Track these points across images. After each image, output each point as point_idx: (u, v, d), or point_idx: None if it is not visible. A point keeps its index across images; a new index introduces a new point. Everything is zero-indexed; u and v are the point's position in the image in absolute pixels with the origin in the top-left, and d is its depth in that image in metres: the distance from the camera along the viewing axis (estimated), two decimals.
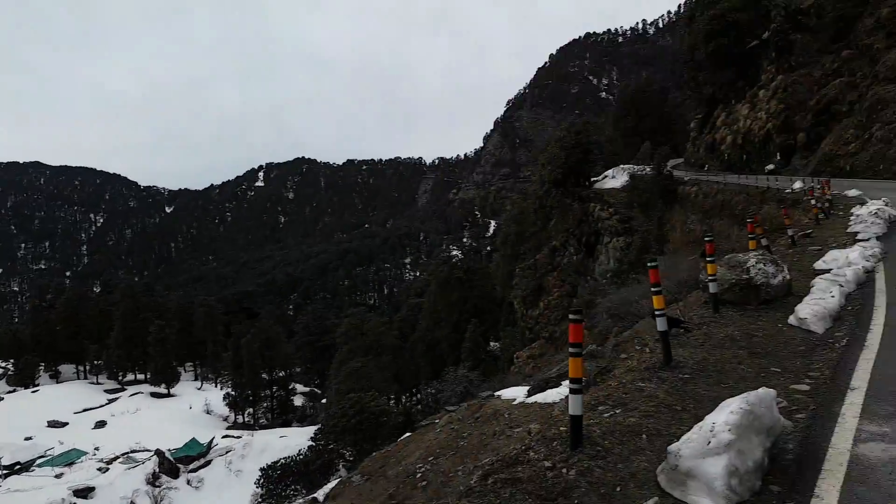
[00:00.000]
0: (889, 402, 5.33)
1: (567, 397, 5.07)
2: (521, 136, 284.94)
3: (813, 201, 21.06)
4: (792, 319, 8.31)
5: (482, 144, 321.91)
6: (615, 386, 6.30)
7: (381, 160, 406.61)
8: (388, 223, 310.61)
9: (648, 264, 7.02)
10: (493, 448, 8.53)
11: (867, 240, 13.74)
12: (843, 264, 10.96)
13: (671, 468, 4.17)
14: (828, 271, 10.59)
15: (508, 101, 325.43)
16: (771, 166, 50.09)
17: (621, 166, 62.69)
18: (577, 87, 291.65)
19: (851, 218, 17.32)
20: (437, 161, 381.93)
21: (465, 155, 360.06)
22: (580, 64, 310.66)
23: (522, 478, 4.48)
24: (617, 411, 5.48)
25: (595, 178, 61.47)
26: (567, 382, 4.92)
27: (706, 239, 9.43)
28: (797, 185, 33.20)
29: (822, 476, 4.21)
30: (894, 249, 12.94)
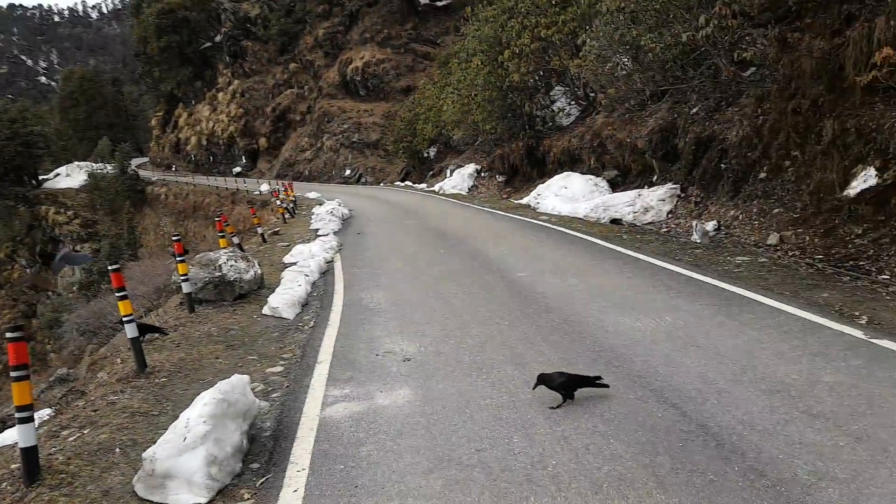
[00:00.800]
0: (347, 368, 6.14)
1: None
2: None
3: (279, 202, 23.14)
4: (266, 310, 8.85)
5: None
6: (83, 405, 5.55)
7: None
8: None
9: (110, 268, 6.43)
10: None
11: (326, 235, 15.79)
12: (307, 257, 12.27)
13: (148, 474, 3.84)
14: (295, 264, 11.71)
15: None
16: (238, 168, 53.02)
17: (77, 163, 56.51)
18: (7, 67, 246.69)
19: (313, 216, 19.60)
20: None
21: None
22: (7, 40, 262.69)
23: None
24: (85, 431, 4.81)
25: (45, 177, 53.93)
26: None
27: (174, 239, 9.31)
28: (264, 187, 36.04)
29: (297, 443, 4.55)
30: (347, 242, 15.20)
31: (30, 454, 4.01)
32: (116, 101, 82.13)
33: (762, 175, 11.39)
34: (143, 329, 7.05)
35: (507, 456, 4.09)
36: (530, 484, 3.73)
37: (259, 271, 10.36)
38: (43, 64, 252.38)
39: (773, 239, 10.29)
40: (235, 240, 13.83)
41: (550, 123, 22.70)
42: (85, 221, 44.90)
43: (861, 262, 8.43)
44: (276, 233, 18.28)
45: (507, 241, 13.15)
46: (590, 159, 18.07)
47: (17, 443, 4.47)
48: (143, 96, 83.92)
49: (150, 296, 16.40)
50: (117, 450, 4.54)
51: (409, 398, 5.21)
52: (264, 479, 4.12)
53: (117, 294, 6.26)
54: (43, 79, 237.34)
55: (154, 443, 4.08)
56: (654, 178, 14.70)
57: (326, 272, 11.69)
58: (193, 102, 61.70)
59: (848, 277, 8.08)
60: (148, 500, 3.85)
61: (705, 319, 6.76)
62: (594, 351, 6.00)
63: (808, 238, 9.74)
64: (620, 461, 3.91)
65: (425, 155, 36.61)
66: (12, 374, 3.95)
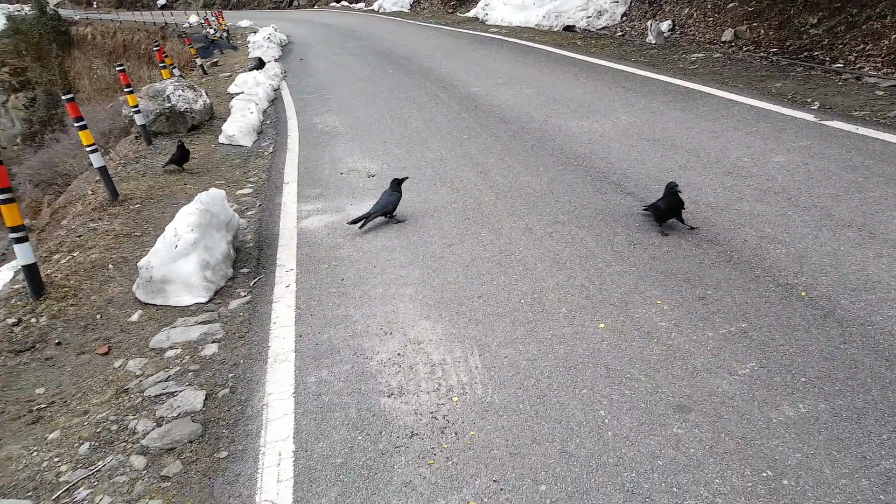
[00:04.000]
0: (315, 186, 6.29)
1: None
2: None
3: (212, 31, 21.67)
4: (222, 138, 8.76)
5: None
6: (65, 234, 5.64)
7: None
8: None
9: (64, 98, 6.17)
10: None
11: (268, 62, 15.08)
12: (253, 86, 11.85)
13: (146, 281, 4.08)
14: (241, 93, 11.33)
15: None
16: (163, 1, 48.65)
17: None
18: None
19: (250, 45, 18.55)
20: None
21: None
22: None
23: None
24: (74, 254, 4.97)
25: None
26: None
27: (119, 69, 8.81)
28: (193, 18, 33.51)
29: (280, 250, 4.81)
30: (291, 69, 14.62)
31: (32, 270, 4.17)
32: None
33: None
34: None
35: (476, 247, 4.42)
36: (500, 266, 4.09)
37: (208, 101, 10.06)
38: None
39: (727, 35, 10.32)
40: (176, 72, 13.16)
41: None
42: (14, 69, 41.35)
43: (815, 53, 8.60)
44: (215, 64, 17.38)
45: (459, 57, 12.85)
46: None
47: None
48: None
49: (98, 140, 15.82)
50: (110, 266, 4.74)
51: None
52: (257, 279, 4.41)
53: (77, 124, 6.09)
54: None
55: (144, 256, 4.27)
56: None
57: (275, 100, 11.43)
58: None
59: (801, 68, 8.29)
60: (151, 304, 4.13)
61: (661, 115, 6.99)
62: (550, 154, 6.23)
63: (762, 31, 9.79)
64: (581, 243, 4.28)
65: None
66: (1, 196, 3.99)
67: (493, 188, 5.52)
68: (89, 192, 6.72)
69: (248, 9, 40.28)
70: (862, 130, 5.68)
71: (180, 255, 4.04)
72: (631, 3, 12.84)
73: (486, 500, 2.27)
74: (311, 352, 3.38)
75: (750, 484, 2.21)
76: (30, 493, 2.65)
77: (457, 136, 7.33)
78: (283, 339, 3.55)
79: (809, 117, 6.23)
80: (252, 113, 9.67)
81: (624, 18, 12.80)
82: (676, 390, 2.74)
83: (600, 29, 12.91)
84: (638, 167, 5.54)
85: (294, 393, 3.05)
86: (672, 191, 4.15)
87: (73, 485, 2.66)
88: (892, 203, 4.25)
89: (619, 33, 12.47)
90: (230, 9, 40.48)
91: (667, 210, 4.24)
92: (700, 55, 9.70)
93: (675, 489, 2.22)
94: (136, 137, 9.22)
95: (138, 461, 2.74)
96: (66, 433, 3.01)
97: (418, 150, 6.99)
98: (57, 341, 3.83)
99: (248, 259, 4.76)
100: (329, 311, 3.79)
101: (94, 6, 55.76)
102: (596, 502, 2.20)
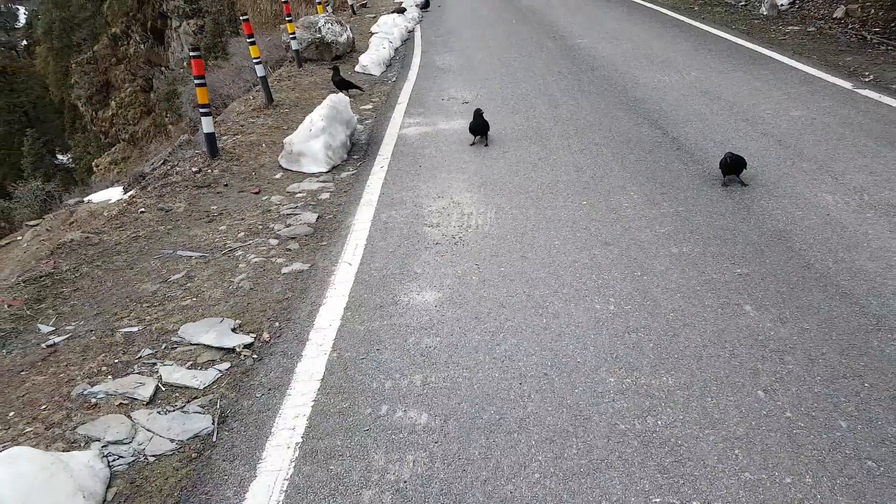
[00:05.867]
0: (419, 107, 7.92)
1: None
2: None
3: None
4: (358, 67, 10.57)
5: None
6: (231, 124, 7.64)
7: None
8: None
9: (242, 18, 8.12)
10: None
11: (408, 7, 16.78)
12: (391, 26, 13.59)
13: (288, 153, 5.91)
14: (380, 32, 13.11)
15: None
16: None
17: None
18: None
19: None
20: None
21: None
22: None
23: (177, 181, 5.73)
24: (237, 137, 6.93)
25: None
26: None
27: (283, 0, 10.77)
28: None
29: (382, 146, 6.52)
30: (429, 14, 16.26)
31: (210, 137, 6.14)
32: None
33: None
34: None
35: (523, 154, 5.85)
36: (534, 167, 5.52)
37: (351, 35, 11.90)
38: None
39: (839, 12, 10.67)
40: (329, 9, 15.16)
41: None
42: None
43: None
44: (363, 5, 19.32)
45: (579, 13, 13.88)
46: None
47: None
48: None
49: None
50: (263, 145, 6.66)
51: (463, 125, 6.93)
52: (363, 161, 6.15)
53: (248, 40, 8.08)
54: None
55: None
56: None
57: (407, 40, 13.13)
58: None
59: (889, 47, 8.72)
60: (288, 169, 5.98)
61: (724, 74, 7.92)
62: (616, 96, 7.43)
63: (873, 11, 10.11)
64: (602, 157, 5.60)
65: None
66: (196, 82, 5.94)
67: (555, 118, 6.87)
68: (251, 98, 8.74)
69: None
70: (885, 99, 6.43)
71: (312, 136, 5.82)
72: None
73: (466, 269, 3.84)
74: (387, 202, 5.05)
75: (625, 276, 3.62)
76: (207, 252, 4.52)
77: (547, 78, 8.64)
78: (371, 195, 5.25)
79: (847, 85, 6.98)
80: (385, 49, 11.41)
81: None
82: (610, 235, 4.14)
83: None
84: (677, 110, 6.67)
85: (371, 220, 4.73)
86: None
87: (233, 249, 4.50)
88: (857, 150, 5.20)
89: (742, 3, 12.91)
90: None
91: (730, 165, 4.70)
92: (795, 28, 10.21)
93: (578, 275, 3.68)
94: (290, 61, 11.24)
95: (273, 241, 4.55)
96: (230, 227, 4.89)
97: (509, 87, 8.39)
98: (225, 184, 5.77)
99: (359, 151, 6.51)
100: (405, 183, 5.43)
101: None
102: (529, 276, 3.70)
